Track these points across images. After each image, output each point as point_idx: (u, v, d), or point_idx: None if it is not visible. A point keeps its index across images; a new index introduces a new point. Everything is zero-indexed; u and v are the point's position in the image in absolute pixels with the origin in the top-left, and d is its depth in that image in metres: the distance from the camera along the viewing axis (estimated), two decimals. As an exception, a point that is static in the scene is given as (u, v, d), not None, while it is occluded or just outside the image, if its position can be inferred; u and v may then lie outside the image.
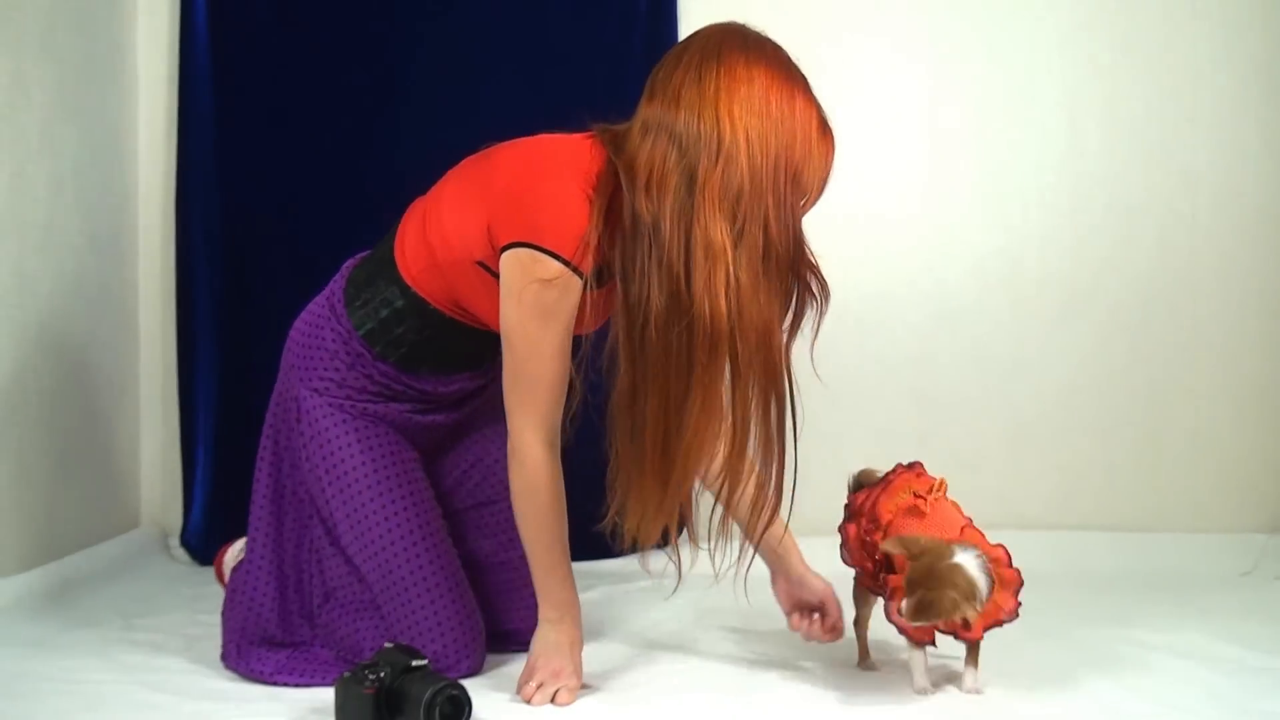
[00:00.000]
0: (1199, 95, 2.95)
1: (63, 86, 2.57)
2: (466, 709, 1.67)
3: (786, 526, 1.98)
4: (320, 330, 2.00)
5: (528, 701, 1.80)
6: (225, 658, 1.98)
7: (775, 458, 1.75)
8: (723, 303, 1.63)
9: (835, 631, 2.01)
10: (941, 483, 1.86)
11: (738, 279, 1.64)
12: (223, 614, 2.03)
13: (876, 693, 1.87)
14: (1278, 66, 2.95)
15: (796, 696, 1.86)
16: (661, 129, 1.67)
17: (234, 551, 2.30)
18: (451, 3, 2.93)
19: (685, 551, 1.79)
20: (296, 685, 1.91)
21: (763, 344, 1.68)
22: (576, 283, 1.72)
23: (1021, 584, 1.79)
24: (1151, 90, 2.96)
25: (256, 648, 1.95)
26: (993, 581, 1.73)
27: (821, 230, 2.95)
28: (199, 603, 2.48)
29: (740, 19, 2.95)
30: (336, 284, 2.02)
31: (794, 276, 1.71)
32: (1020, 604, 1.80)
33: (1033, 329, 2.98)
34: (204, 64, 2.90)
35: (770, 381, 1.70)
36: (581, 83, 2.91)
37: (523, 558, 1.89)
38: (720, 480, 1.80)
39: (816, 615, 2.01)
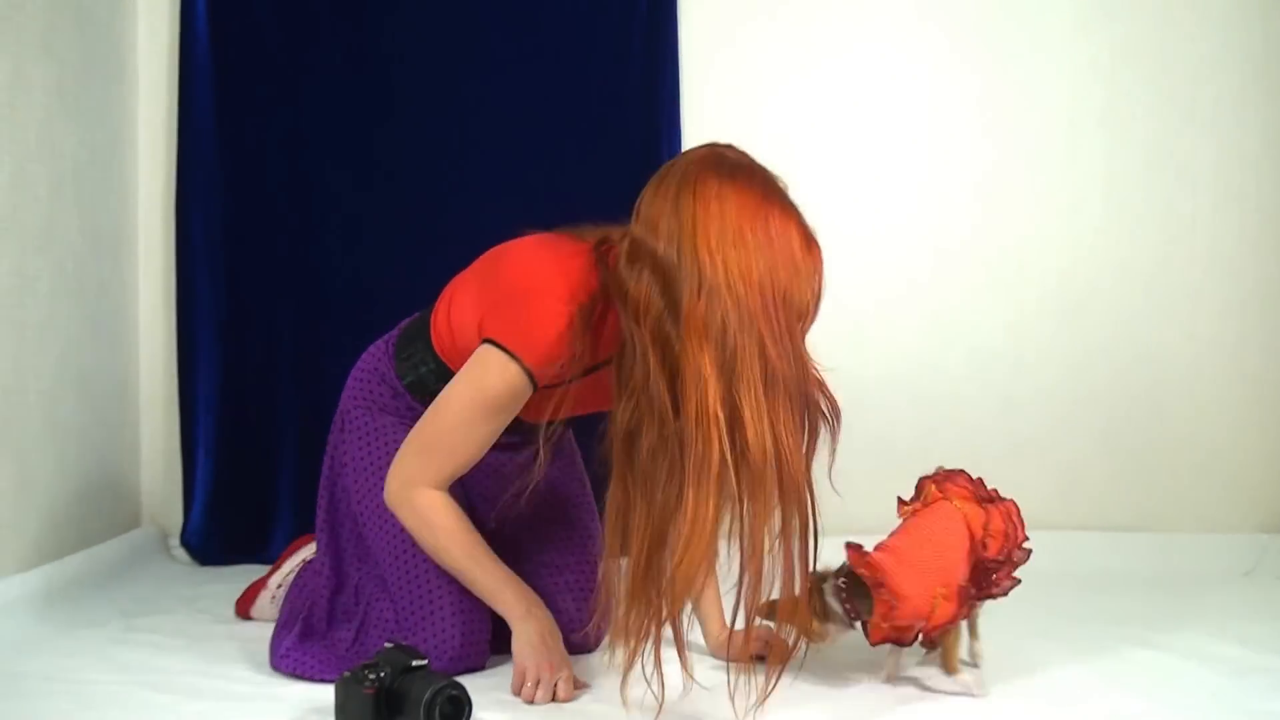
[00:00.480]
0: (1199, 95, 2.96)
1: (63, 86, 2.57)
2: (466, 709, 1.67)
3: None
4: (377, 365, 2.11)
5: (530, 702, 1.80)
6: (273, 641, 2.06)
7: (798, 579, 1.68)
8: (714, 432, 1.59)
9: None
10: (922, 497, 1.91)
11: (734, 409, 1.60)
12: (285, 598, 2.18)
13: (876, 692, 1.87)
14: (1278, 66, 2.95)
15: (797, 696, 1.86)
16: (646, 257, 1.65)
17: (262, 601, 2.38)
18: (451, 3, 2.93)
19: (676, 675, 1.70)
20: (294, 673, 1.95)
21: (777, 471, 1.62)
22: (529, 391, 1.81)
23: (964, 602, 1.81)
24: (1151, 90, 2.96)
25: (290, 631, 2.02)
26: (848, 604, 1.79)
27: (822, 231, 2.98)
28: (199, 603, 2.49)
29: (740, 21, 2.98)
30: (393, 333, 2.13)
31: (803, 398, 1.65)
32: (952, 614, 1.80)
33: (1033, 329, 2.98)
34: (204, 64, 2.90)
35: (791, 505, 1.63)
36: (582, 83, 2.91)
37: (536, 567, 1.97)
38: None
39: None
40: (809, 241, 1.71)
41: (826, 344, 3.02)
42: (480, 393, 1.82)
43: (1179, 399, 2.98)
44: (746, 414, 1.59)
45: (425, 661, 1.69)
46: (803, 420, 1.65)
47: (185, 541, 2.93)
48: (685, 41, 2.95)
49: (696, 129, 2.95)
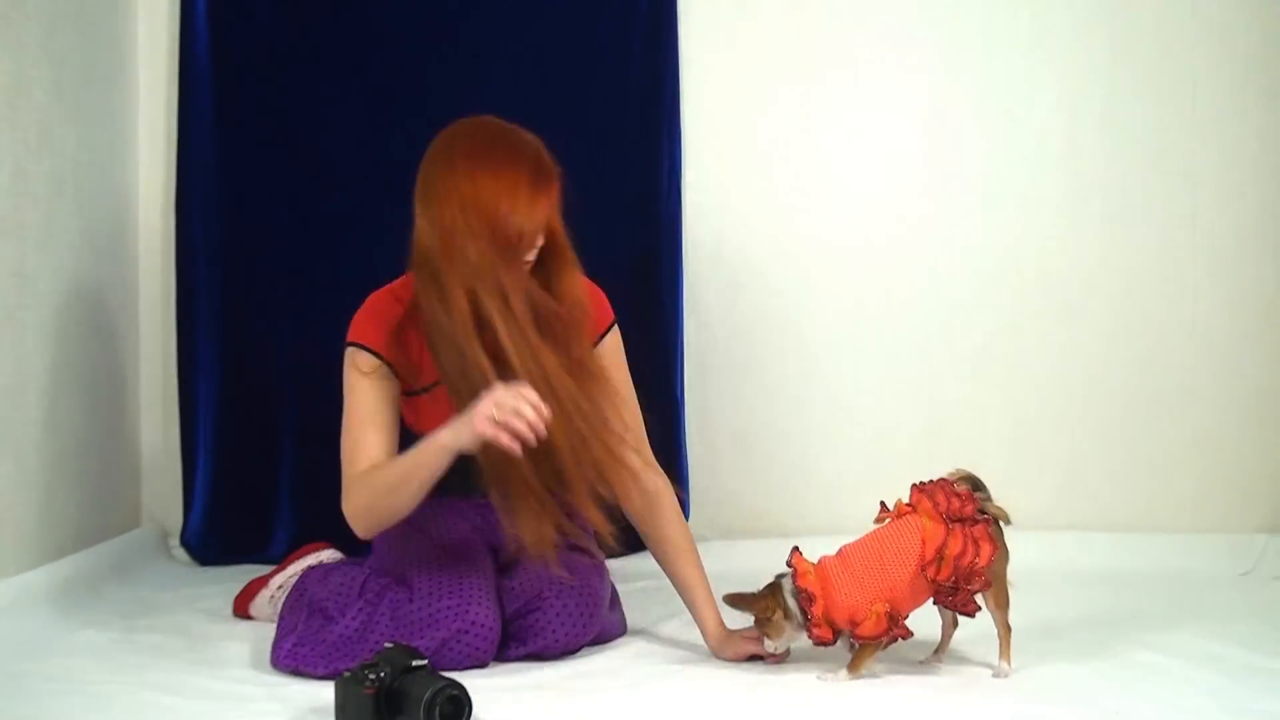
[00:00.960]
0: (1199, 95, 2.95)
1: (63, 86, 2.57)
2: (466, 709, 1.67)
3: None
4: None
5: (508, 430, 1.80)
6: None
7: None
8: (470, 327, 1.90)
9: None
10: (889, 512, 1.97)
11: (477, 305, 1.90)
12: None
13: (876, 692, 1.87)
14: (1277, 66, 2.95)
15: (797, 696, 1.86)
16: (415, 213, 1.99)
17: (261, 599, 2.38)
18: (452, 4, 2.93)
19: None
20: (295, 669, 1.97)
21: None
22: (374, 362, 2.04)
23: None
24: (1151, 90, 2.96)
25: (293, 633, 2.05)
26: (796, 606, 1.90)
27: (822, 231, 2.99)
28: (199, 603, 2.49)
29: (740, 21, 2.98)
30: None
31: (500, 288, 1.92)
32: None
33: (1033, 329, 2.98)
34: (204, 64, 2.90)
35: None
36: (581, 83, 2.91)
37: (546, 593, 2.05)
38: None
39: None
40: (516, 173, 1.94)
41: (826, 344, 3.04)
42: (346, 381, 2.06)
43: (1179, 399, 2.97)
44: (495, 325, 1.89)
45: (425, 661, 1.69)
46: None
47: (185, 542, 2.93)
48: (685, 41, 2.95)
49: (696, 129, 2.96)
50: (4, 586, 2.27)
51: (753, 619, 1.95)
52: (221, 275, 2.93)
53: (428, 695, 1.63)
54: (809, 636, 1.91)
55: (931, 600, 1.93)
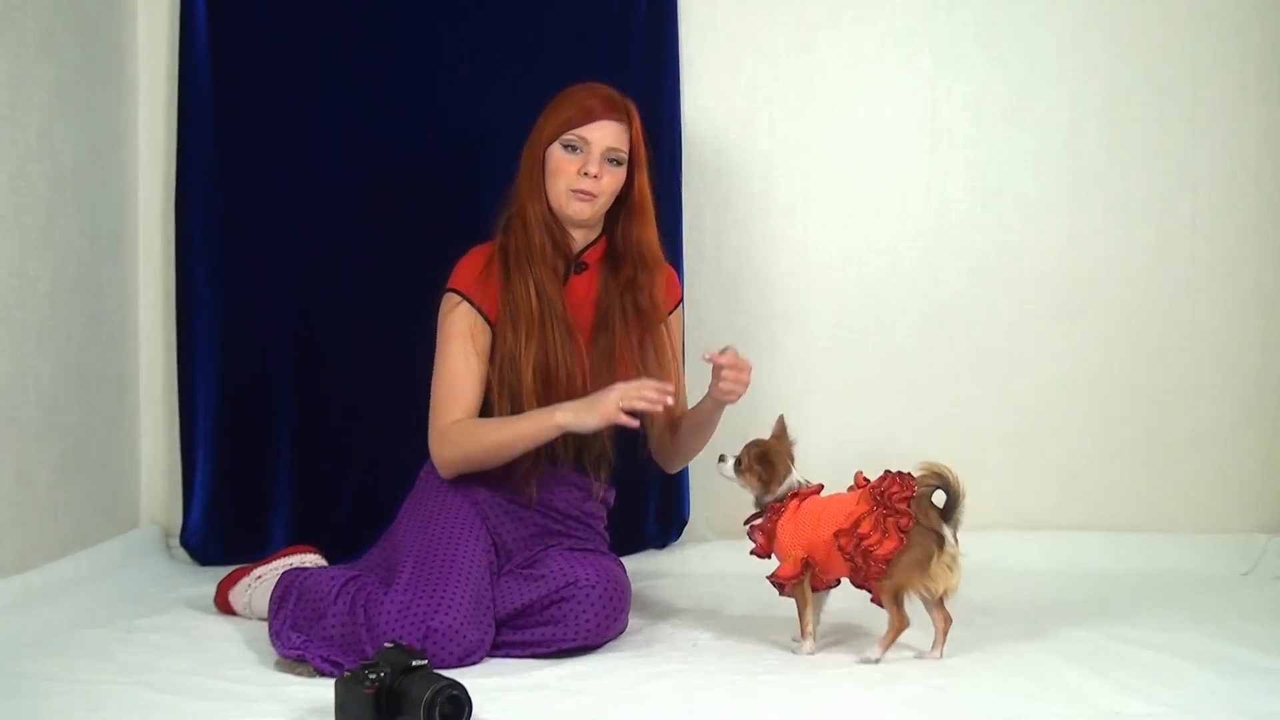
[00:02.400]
0: (1199, 95, 2.95)
1: (63, 86, 2.57)
2: (466, 709, 1.67)
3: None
4: None
5: (632, 410, 2.07)
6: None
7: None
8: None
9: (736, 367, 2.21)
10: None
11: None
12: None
13: (876, 691, 1.87)
14: (1278, 66, 2.95)
15: (797, 696, 1.86)
16: None
17: (240, 588, 2.41)
18: (451, 3, 2.93)
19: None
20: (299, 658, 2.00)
21: None
22: (473, 313, 2.25)
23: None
24: (1151, 90, 2.96)
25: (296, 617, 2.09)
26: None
27: (822, 231, 2.99)
28: (199, 603, 2.49)
29: (740, 21, 2.98)
30: None
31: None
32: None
33: (1033, 329, 2.98)
34: (204, 64, 2.90)
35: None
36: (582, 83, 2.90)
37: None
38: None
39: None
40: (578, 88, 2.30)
41: (826, 344, 3.04)
42: (441, 329, 2.26)
43: (1179, 399, 2.97)
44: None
45: (425, 661, 1.70)
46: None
47: (185, 541, 2.92)
48: (685, 41, 2.95)
49: (696, 129, 2.95)
50: (4, 586, 2.27)
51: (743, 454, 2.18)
52: (221, 275, 2.93)
53: (428, 695, 1.63)
54: (748, 530, 2.16)
55: (849, 580, 2.08)
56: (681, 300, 2.48)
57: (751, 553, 2.16)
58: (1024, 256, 2.98)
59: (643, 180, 2.30)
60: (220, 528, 2.92)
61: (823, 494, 2.15)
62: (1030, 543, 2.89)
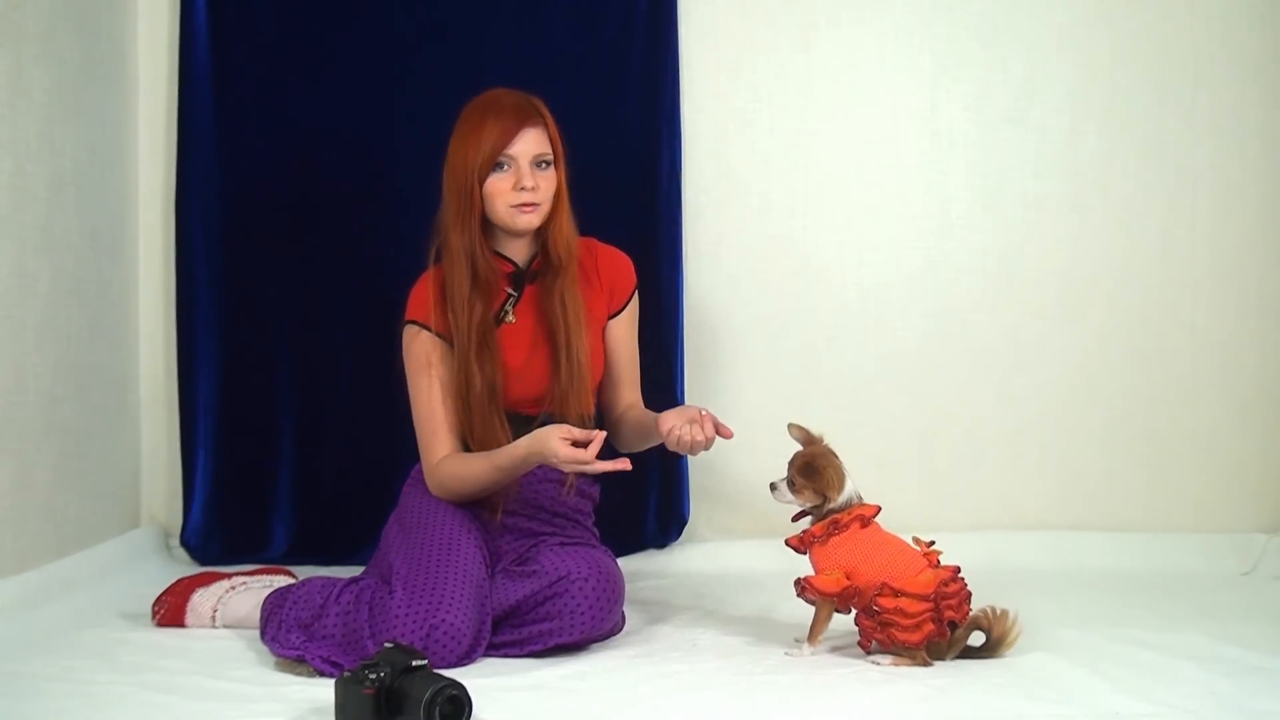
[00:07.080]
0: (1199, 95, 2.95)
1: (63, 86, 2.57)
2: (466, 709, 1.67)
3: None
4: None
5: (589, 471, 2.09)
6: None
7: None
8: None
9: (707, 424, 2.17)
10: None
11: None
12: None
13: (876, 691, 1.87)
14: (1277, 66, 2.95)
15: (797, 696, 1.86)
16: None
17: (209, 593, 2.35)
18: (452, 4, 2.93)
19: None
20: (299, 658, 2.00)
21: None
22: (432, 339, 2.27)
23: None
24: (1151, 90, 2.96)
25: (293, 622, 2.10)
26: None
27: (822, 231, 2.98)
28: (199, 603, 2.49)
29: (740, 21, 2.98)
30: None
31: None
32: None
33: (1033, 329, 2.98)
34: (204, 64, 2.90)
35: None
36: (582, 83, 2.90)
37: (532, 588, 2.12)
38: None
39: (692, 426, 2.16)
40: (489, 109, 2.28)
41: (826, 343, 3.03)
42: (406, 364, 2.30)
43: (1179, 398, 2.97)
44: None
45: (425, 661, 1.70)
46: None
47: (185, 541, 2.93)
48: (685, 41, 2.95)
49: (696, 129, 2.95)
50: (4, 586, 2.27)
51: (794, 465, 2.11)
52: (222, 275, 2.93)
53: (428, 695, 1.63)
54: (795, 521, 2.12)
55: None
56: (635, 288, 2.41)
57: (788, 543, 2.12)
58: (1024, 256, 2.98)
59: (561, 175, 2.27)
60: (220, 528, 2.92)
61: (878, 518, 2.10)
62: (1030, 543, 2.89)
